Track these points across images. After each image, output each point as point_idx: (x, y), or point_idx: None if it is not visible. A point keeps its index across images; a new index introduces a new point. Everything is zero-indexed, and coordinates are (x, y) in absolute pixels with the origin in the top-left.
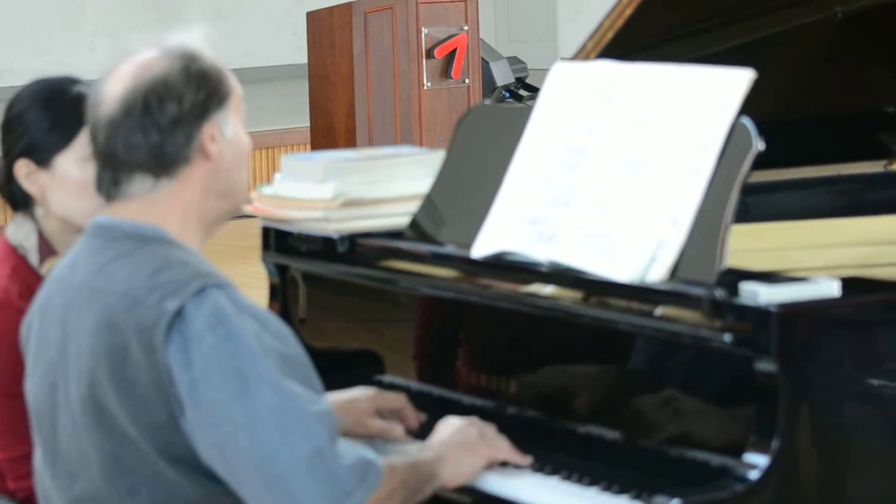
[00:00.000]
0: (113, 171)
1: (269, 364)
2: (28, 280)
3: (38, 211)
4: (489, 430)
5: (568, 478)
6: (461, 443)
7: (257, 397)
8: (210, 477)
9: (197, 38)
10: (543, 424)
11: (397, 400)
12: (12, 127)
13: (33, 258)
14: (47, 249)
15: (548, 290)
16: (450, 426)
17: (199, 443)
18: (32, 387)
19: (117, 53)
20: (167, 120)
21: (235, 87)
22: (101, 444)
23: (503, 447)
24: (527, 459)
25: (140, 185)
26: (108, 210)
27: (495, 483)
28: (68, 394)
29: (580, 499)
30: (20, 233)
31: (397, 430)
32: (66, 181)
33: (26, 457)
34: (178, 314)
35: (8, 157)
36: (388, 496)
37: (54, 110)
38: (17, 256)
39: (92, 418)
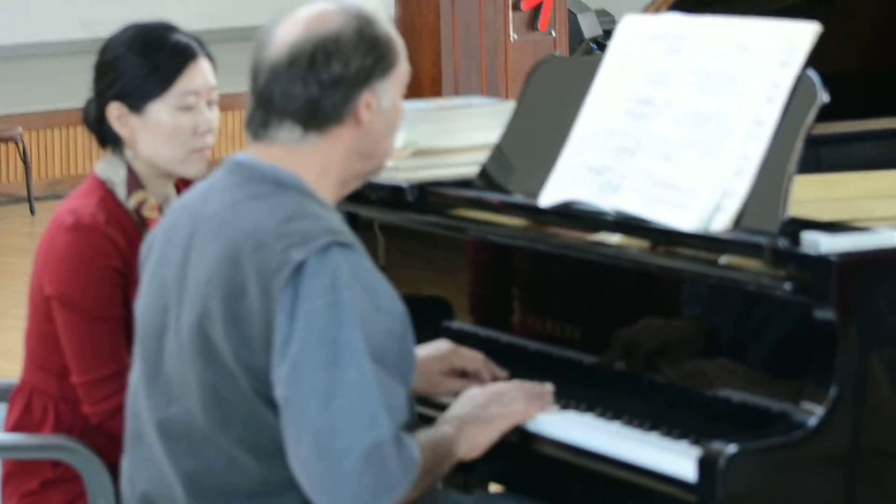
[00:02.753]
0: (265, 114)
1: (364, 344)
2: (115, 211)
3: (128, 152)
4: (507, 395)
5: (629, 423)
6: (478, 417)
7: (343, 371)
8: None
9: (373, 5)
10: (607, 371)
11: (474, 360)
12: (107, 70)
13: (120, 192)
14: (135, 184)
15: (614, 238)
16: (468, 400)
17: (276, 391)
18: (143, 306)
19: (207, 9)
20: (330, 77)
21: (403, 59)
22: (203, 373)
23: (519, 411)
24: (549, 406)
25: (288, 132)
26: (250, 149)
27: (553, 426)
28: (179, 318)
29: (641, 443)
30: (109, 168)
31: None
32: (157, 128)
33: (102, 380)
34: (300, 266)
35: (100, 99)
36: (416, 484)
37: (152, 57)
38: (104, 189)
39: (197, 347)
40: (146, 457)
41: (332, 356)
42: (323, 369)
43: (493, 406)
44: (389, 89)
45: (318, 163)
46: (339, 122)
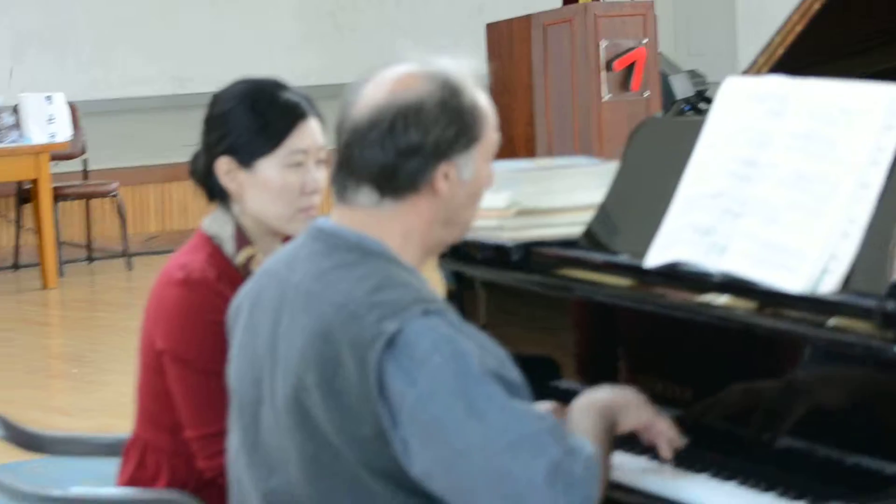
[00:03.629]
0: (345, 175)
1: (495, 385)
2: (224, 267)
3: (235, 207)
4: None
5: (744, 483)
6: (626, 396)
7: (488, 417)
8: (412, 491)
9: (465, 71)
10: (718, 432)
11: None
12: (217, 124)
13: (228, 248)
14: (243, 240)
15: (721, 300)
16: (596, 390)
17: (414, 459)
18: (237, 374)
19: (297, 66)
20: (407, 146)
21: (490, 130)
22: (303, 445)
23: (663, 419)
24: (681, 441)
25: (366, 197)
26: (334, 213)
27: (671, 486)
28: (274, 391)
29: (746, 500)
30: (216, 224)
31: None
32: (265, 185)
33: (216, 435)
34: (398, 334)
35: (209, 152)
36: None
37: (262, 114)
38: (212, 245)
39: (295, 419)
40: None
41: (470, 407)
42: (466, 422)
43: (642, 397)
44: (471, 161)
45: (398, 229)
46: (416, 191)
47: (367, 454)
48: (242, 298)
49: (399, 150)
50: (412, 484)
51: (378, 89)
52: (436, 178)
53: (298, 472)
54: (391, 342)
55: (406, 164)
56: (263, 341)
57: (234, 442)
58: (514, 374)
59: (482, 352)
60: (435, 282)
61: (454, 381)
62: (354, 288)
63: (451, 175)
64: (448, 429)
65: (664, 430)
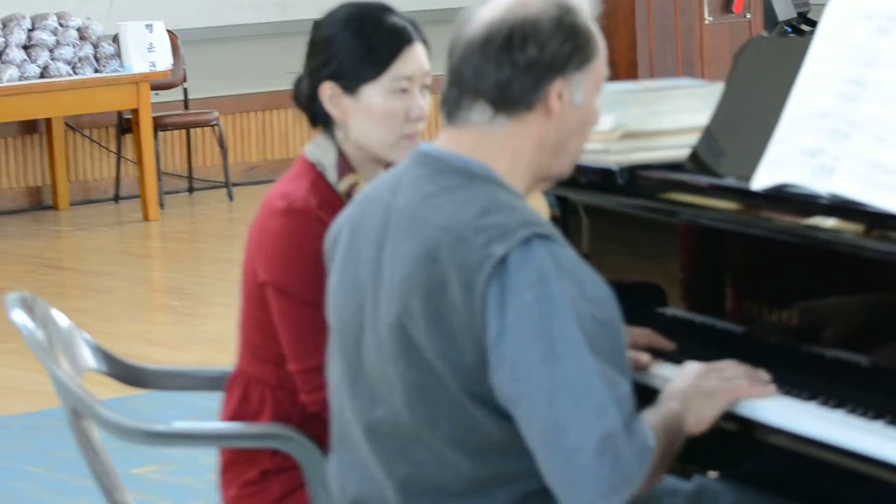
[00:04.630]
0: (458, 92)
1: (581, 335)
2: (326, 194)
3: (339, 133)
4: (729, 370)
5: (853, 412)
6: (700, 389)
7: (563, 366)
8: (512, 419)
9: None
10: (826, 358)
11: (642, 335)
12: (321, 48)
13: (331, 175)
14: (346, 167)
15: (828, 222)
16: (688, 373)
17: (496, 388)
18: (337, 303)
19: None
20: (524, 60)
21: (601, 56)
22: (406, 372)
23: (743, 387)
24: (770, 389)
25: (479, 114)
26: (441, 136)
27: (777, 415)
28: (377, 317)
29: (866, 432)
30: (318, 151)
31: (644, 357)
32: (369, 110)
33: (319, 368)
34: (503, 261)
35: (313, 77)
36: (654, 472)
37: (368, 39)
38: (315, 172)
39: (399, 346)
40: (354, 459)
41: (550, 350)
42: (542, 365)
43: (713, 379)
44: (584, 83)
45: (508, 151)
46: (529, 108)
47: (469, 381)
48: (341, 225)
49: (515, 65)
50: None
51: (493, 9)
52: (550, 96)
53: (402, 400)
54: (499, 266)
55: (522, 78)
56: (365, 267)
57: (336, 373)
58: (612, 314)
59: (578, 292)
60: (539, 208)
61: (539, 322)
62: (461, 211)
63: (565, 95)
64: (521, 367)
65: (750, 395)
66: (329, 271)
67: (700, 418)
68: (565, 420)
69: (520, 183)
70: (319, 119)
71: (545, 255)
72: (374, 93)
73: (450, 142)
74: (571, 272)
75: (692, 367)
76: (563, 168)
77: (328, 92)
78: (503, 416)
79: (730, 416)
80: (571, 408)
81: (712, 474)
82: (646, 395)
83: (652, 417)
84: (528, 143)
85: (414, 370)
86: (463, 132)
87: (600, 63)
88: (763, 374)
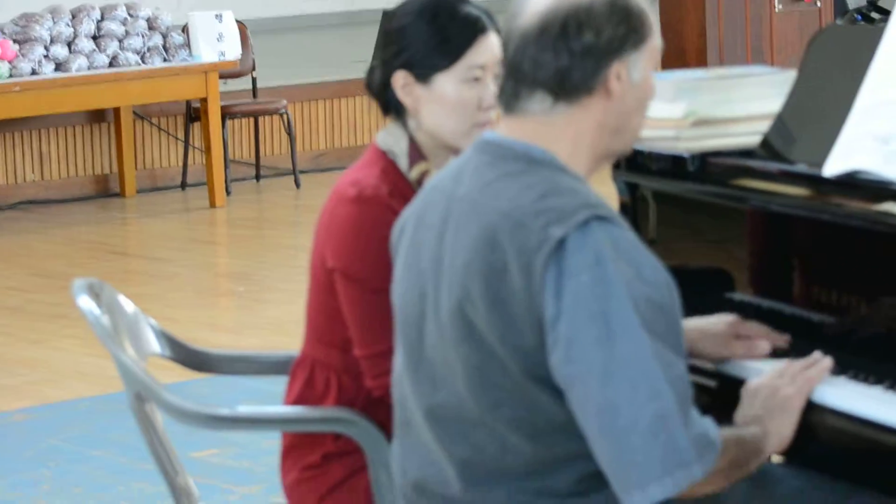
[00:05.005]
0: (515, 84)
1: (636, 317)
2: (397, 182)
3: (411, 122)
4: (793, 368)
5: None
6: (773, 407)
7: (618, 347)
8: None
9: None
10: (887, 340)
11: (758, 329)
12: (394, 38)
13: (402, 163)
14: (417, 155)
15: None
16: (759, 394)
17: (554, 370)
18: (401, 291)
19: None
20: (581, 46)
21: (655, 34)
22: (467, 357)
23: (808, 379)
24: (824, 362)
25: (539, 103)
26: (501, 126)
27: (844, 399)
28: (438, 303)
29: None
30: (390, 138)
31: (762, 345)
32: (442, 99)
33: (385, 354)
34: (561, 243)
35: (386, 66)
36: (717, 473)
37: (441, 28)
38: (386, 160)
39: (460, 331)
40: (416, 444)
41: (605, 332)
42: (597, 346)
43: (782, 388)
44: (641, 62)
45: (569, 136)
46: (589, 93)
47: (530, 363)
48: (407, 217)
49: (573, 52)
50: None
51: None
52: (609, 78)
53: (463, 385)
54: (557, 249)
55: (581, 64)
56: (428, 255)
57: (399, 359)
58: (669, 298)
59: (635, 275)
60: (609, 194)
61: (594, 304)
62: (520, 196)
63: (623, 75)
64: (576, 348)
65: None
66: (395, 262)
67: (782, 437)
68: (618, 400)
69: (582, 165)
70: (392, 108)
71: (603, 237)
72: (447, 82)
73: (511, 130)
74: (629, 254)
75: (754, 387)
76: (625, 145)
77: (401, 81)
78: (563, 397)
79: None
80: (625, 388)
81: (776, 458)
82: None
83: (728, 430)
84: (589, 126)
85: (475, 355)
86: (523, 121)
87: (655, 39)
88: (816, 355)
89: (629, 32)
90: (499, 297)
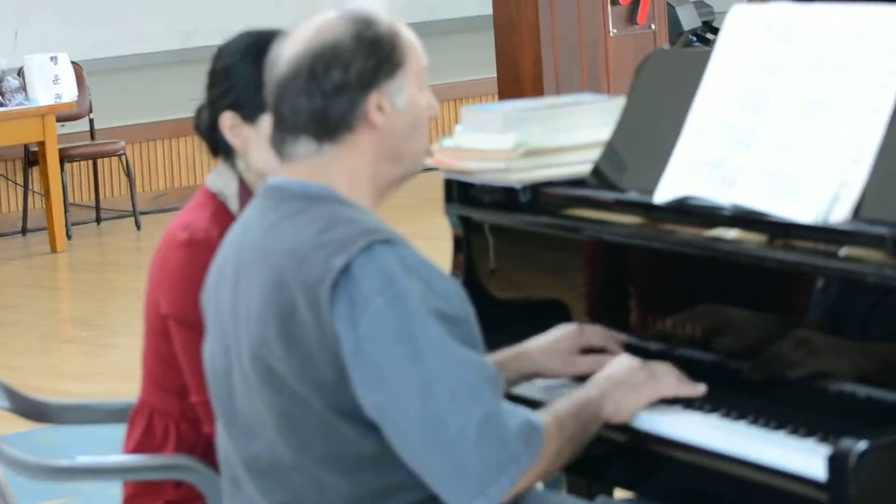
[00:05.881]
0: (281, 131)
1: (438, 327)
2: (228, 224)
3: (240, 162)
4: (660, 368)
5: (754, 422)
6: (626, 381)
7: (429, 361)
8: (381, 431)
9: (379, 2)
10: (728, 370)
11: (599, 336)
12: (221, 78)
13: (233, 204)
14: (247, 196)
15: (731, 233)
16: (618, 364)
17: (362, 401)
18: (209, 351)
19: (303, 12)
20: (331, 86)
21: (412, 54)
22: (272, 401)
23: (670, 384)
24: (699, 389)
25: (304, 147)
26: (280, 171)
27: (678, 428)
28: (240, 354)
29: (768, 443)
30: (220, 180)
31: (607, 359)
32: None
33: None
34: (345, 271)
35: (213, 107)
36: (557, 454)
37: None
38: (216, 202)
39: (261, 377)
40: (245, 498)
41: (413, 349)
42: (408, 364)
43: (642, 373)
44: (403, 87)
45: (344, 172)
46: (350, 129)
47: (332, 398)
48: (210, 277)
49: (324, 92)
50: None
51: (295, 42)
52: (369, 111)
53: (273, 431)
54: (340, 279)
55: (335, 103)
56: (227, 309)
57: (217, 419)
58: (461, 308)
59: (426, 290)
60: (442, 228)
61: (396, 324)
62: (302, 232)
63: (385, 105)
64: (387, 372)
65: (676, 394)
66: (205, 322)
67: (619, 407)
68: (442, 412)
69: (365, 198)
70: (221, 148)
71: (389, 259)
72: None
73: (289, 174)
74: (418, 270)
75: (623, 360)
76: (409, 170)
77: (228, 122)
78: (372, 429)
79: (629, 431)
80: (446, 400)
81: (623, 495)
82: None
83: (561, 403)
84: (363, 160)
85: (278, 398)
86: (297, 165)
87: (415, 61)
88: (698, 387)
89: (380, 63)
90: (292, 336)
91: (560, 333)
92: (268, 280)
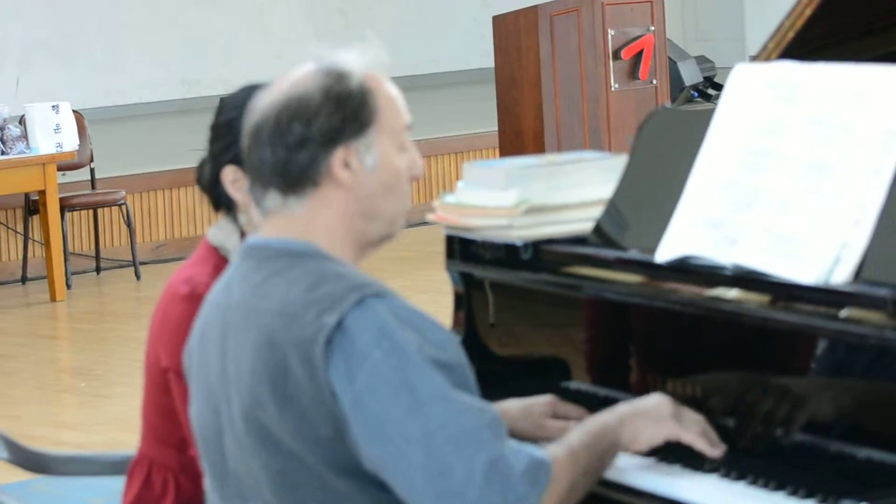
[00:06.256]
0: (253, 184)
1: (437, 376)
2: None
3: (241, 216)
4: (688, 414)
5: (754, 483)
6: (648, 413)
7: (429, 411)
8: (379, 486)
9: (355, 57)
10: (731, 429)
11: (577, 411)
12: (223, 132)
13: (234, 258)
14: None
15: (732, 293)
16: (647, 397)
17: (364, 456)
18: (196, 413)
19: (300, 63)
20: (294, 139)
21: (388, 112)
22: (267, 462)
23: (691, 431)
24: (716, 450)
25: (272, 200)
26: (260, 228)
27: (678, 486)
28: (231, 415)
29: (757, 500)
30: (221, 234)
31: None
32: None
33: None
34: (338, 327)
35: (215, 161)
36: (570, 489)
37: None
38: (218, 256)
39: (255, 437)
40: None
41: (413, 400)
42: (409, 416)
43: (667, 410)
44: (373, 146)
45: (320, 227)
46: (315, 184)
47: (329, 455)
48: (193, 338)
49: (287, 146)
50: (378, 479)
51: (269, 93)
52: (333, 168)
53: (269, 491)
54: (334, 336)
55: (296, 157)
56: (214, 370)
57: (207, 481)
58: (456, 356)
59: (421, 340)
60: (441, 281)
61: (394, 376)
62: (290, 291)
63: (352, 163)
64: (388, 425)
65: (693, 442)
66: (189, 384)
67: (636, 436)
68: (447, 462)
69: (345, 254)
70: (223, 202)
71: (382, 311)
72: None
73: (269, 231)
74: (411, 321)
75: (655, 395)
76: (386, 230)
77: (231, 176)
78: (369, 484)
79: (624, 488)
80: (450, 448)
81: None
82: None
83: (575, 433)
84: (333, 215)
85: (274, 458)
86: (273, 220)
87: (391, 119)
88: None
89: (347, 119)
90: (286, 395)
91: (537, 399)
92: (258, 340)
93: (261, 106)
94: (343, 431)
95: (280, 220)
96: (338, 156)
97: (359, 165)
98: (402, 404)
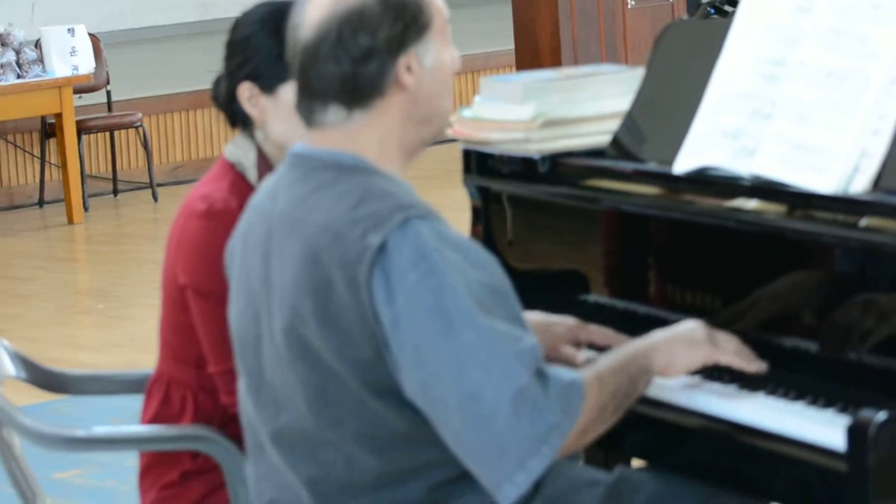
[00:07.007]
0: (308, 99)
1: (473, 301)
2: (246, 195)
3: (258, 133)
4: (722, 336)
5: (773, 393)
6: (682, 337)
7: (462, 336)
8: (415, 409)
9: None
10: (748, 340)
11: (603, 336)
12: (238, 49)
13: (251, 175)
14: (266, 166)
15: (751, 204)
16: (679, 323)
17: (401, 378)
18: (236, 315)
19: None
20: (360, 51)
21: (437, 13)
22: (306, 376)
23: (729, 351)
24: (758, 365)
25: (334, 114)
26: (307, 138)
27: (696, 398)
28: (272, 325)
29: (787, 413)
30: (238, 151)
31: (580, 358)
32: (288, 109)
33: None
34: (381, 248)
35: (231, 78)
36: (599, 412)
37: (285, 38)
38: (234, 173)
39: (295, 351)
40: (269, 466)
41: (446, 324)
42: (442, 340)
43: (701, 334)
44: (430, 47)
45: (374, 138)
46: (382, 94)
47: (369, 376)
48: (235, 238)
49: (353, 58)
50: (414, 402)
51: (320, 6)
52: (399, 74)
53: (305, 405)
54: (377, 256)
55: (364, 69)
56: (257, 276)
57: (242, 384)
58: (500, 277)
59: (464, 261)
60: (460, 199)
61: (429, 299)
62: (336, 206)
63: (414, 66)
64: (422, 348)
65: (731, 362)
66: (229, 285)
67: (671, 361)
68: (476, 388)
69: (393, 163)
70: (239, 119)
71: (424, 232)
72: (292, 91)
73: (317, 142)
74: (453, 242)
75: (688, 321)
76: (437, 131)
77: (247, 92)
78: (406, 407)
79: (646, 400)
80: (480, 375)
81: (637, 463)
82: None
83: (605, 358)
84: (393, 124)
85: (313, 374)
86: (325, 133)
87: (439, 20)
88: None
89: (407, 26)
90: (329, 313)
91: (559, 319)
92: (302, 254)
93: (312, 21)
94: (383, 354)
95: (330, 133)
96: (402, 62)
97: (419, 68)
98: (435, 328)
